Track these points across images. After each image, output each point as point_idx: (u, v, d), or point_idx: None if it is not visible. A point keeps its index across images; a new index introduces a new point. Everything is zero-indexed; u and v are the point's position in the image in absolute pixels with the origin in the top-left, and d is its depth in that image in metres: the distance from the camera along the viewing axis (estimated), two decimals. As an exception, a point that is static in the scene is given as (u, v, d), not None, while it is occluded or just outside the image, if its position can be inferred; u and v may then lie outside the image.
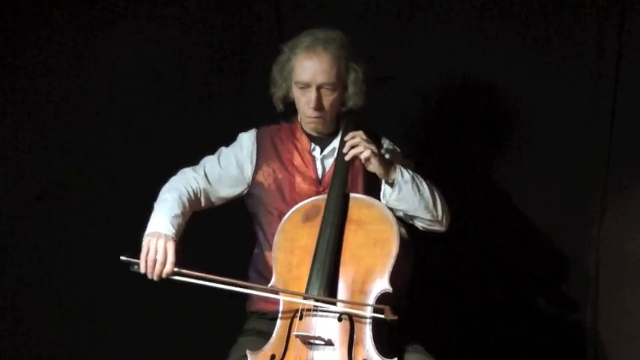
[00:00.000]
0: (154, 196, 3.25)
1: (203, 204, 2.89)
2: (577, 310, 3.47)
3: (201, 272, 2.59)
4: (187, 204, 2.79)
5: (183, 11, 3.50)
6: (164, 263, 2.60)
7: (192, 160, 3.42)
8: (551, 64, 3.43)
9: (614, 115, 3.37)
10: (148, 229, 2.68)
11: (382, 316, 2.52)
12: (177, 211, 2.73)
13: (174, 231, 2.67)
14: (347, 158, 2.77)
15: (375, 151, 2.75)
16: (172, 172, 3.42)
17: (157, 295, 3.41)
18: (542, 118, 3.46)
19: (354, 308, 2.57)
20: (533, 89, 3.45)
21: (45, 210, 3.43)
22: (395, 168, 2.79)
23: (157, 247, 2.61)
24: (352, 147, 2.75)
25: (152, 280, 2.62)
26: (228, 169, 2.92)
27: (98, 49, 3.44)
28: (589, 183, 3.44)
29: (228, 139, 3.18)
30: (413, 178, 2.80)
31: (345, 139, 2.80)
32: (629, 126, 3.36)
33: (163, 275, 2.61)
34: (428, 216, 2.84)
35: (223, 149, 2.97)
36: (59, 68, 3.42)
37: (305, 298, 2.59)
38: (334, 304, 2.58)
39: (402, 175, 2.79)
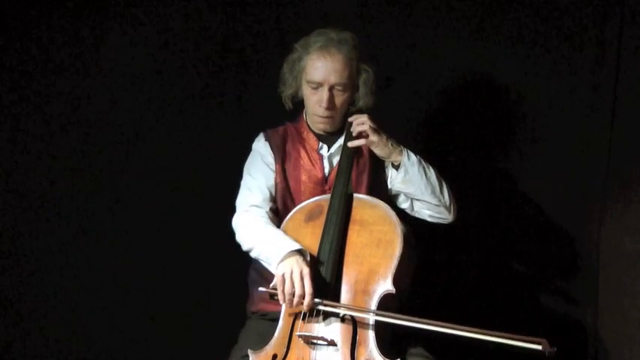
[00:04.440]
0: (155, 196, 3.26)
1: (278, 220, 2.85)
2: (577, 310, 3.48)
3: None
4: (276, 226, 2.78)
5: (183, 11, 3.49)
6: (302, 296, 2.55)
7: (193, 159, 3.44)
8: (551, 64, 3.43)
9: (614, 115, 3.38)
10: (274, 259, 2.61)
11: (540, 347, 2.46)
12: (280, 231, 2.72)
13: (298, 244, 2.63)
14: (354, 134, 2.82)
15: (380, 131, 2.81)
16: (173, 171, 3.45)
17: (158, 295, 3.43)
18: (542, 118, 3.46)
19: (480, 334, 2.52)
20: (533, 89, 3.46)
21: (45, 209, 3.42)
22: (401, 150, 2.83)
23: (293, 278, 2.55)
24: (358, 125, 2.82)
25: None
26: (268, 179, 2.89)
27: (99, 48, 3.43)
28: (589, 183, 3.44)
29: (229, 139, 3.19)
30: (419, 161, 2.85)
31: (350, 119, 2.86)
32: (629, 126, 3.36)
33: (305, 309, 2.56)
34: (435, 201, 2.87)
35: (249, 167, 2.93)
36: (59, 69, 3.40)
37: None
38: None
39: (409, 158, 2.83)
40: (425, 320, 2.54)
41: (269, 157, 2.92)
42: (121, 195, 3.45)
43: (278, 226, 2.79)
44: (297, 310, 2.61)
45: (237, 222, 2.83)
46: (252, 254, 2.77)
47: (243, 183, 2.92)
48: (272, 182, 2.89)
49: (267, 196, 2.87)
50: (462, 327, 2.52)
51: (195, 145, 3.48)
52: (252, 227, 2.77)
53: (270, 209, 2.85)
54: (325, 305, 2.56)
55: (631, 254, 3.36)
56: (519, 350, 2.49)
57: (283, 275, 2.56)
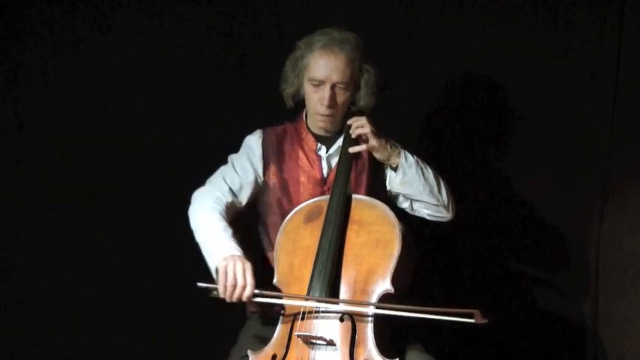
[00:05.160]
0: (155, 196, 3.26)
1: (232, 217, 2.85)
2: (577, 310, 3.48)
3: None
4: (228, 221, 2.77)
5: (183, 11, 3.49)
6: (244, 287, 2.56)
7: (192, 159, 3.44)
8: (551, 64, 3.43)
9: (614, 114, 3.38)
10: (215, 254, 2.63)
11: (472, 320, 2.50)
12: (230, 230, 2.72)
13: (241, 250, 2.65)
14: (353, 136, 2.84)
15: (380, 134, 2.82)
16: (172, 171, 3.45)
17: (158, 295, 3.43)
18: (542, 118, 3.46)
19: (420, 314, 2.54)
20: (533, 89, 3.45)
21: (44, 211, 3.42)
22: (399, 152, 2.85)
23: (236, 270, 2.56)
24: (357, 127, 2.84)
25: (230, 302, 2.59)
26: (247, 175, 2.91)
27: (98, 48, 3.43)
28: (589, 183, 3.45)
29: (229, 138, 3.18)
30: (417, 162, 2.86)
31: (349, 122, 2.87)
32: (629, 126, 3.36)
33: (244, 299, 2.58)
34: (433, 200, 2.88)
35: (234, 157, 2.95)
36: (59, 68, 3.41)
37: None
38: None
39: (406, 159, 2.85)
40: (348, 300, 2.59)
41: (257, 154, 2.93)
42: (120, 195, 3.45)
43: (230, 221, 2.79)
44: (296, 310, 2.61)
45: (197, 198, 2.84)
46: (195, 236, 2.76)
47: (222, 167, 2.93)
48: (250, 179, 2.90)
49: (236, 190, 2.88)
50: (391, 305, 2.56)
51: (194, 145, 3.48)
52: (208, 212, 2.77)
53: (232, 203, 2.85)
54: (263, 296, 2.58)
55: (631, 254, 3.37)
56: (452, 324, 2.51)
57: (226, 267, 2.57)
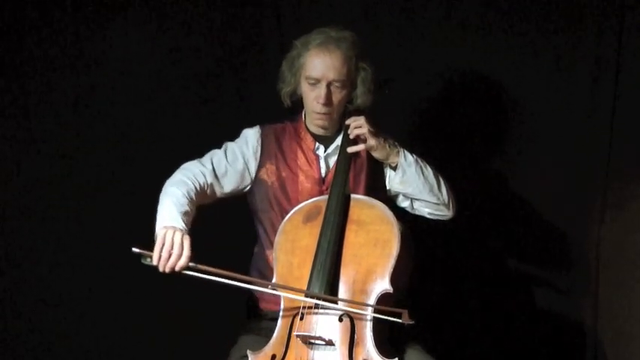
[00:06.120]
0: (156, 195, 3.25)
1: (208, 199, 2.86)
2: (577, 310, 3.48)
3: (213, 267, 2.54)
4: (194, 199, 2.75)
5: (183, 11, 3.50)
6: (180, 256, 2.53)
7: (192, 159, 3.44)
8: (551, 64, 3.44)
9: (614, 114, 3.38)
10: (160, 222, 2.62)
11: (400, 320, 2.52)
12: (187, 207, 2.69)
13: (186, 227, 2.62)
14: (351, 136, 2.84)
15: (378, 134, 2.83)
16: (174, 170, 3.45)
17: (157, 295, 3.43)
18: (542, 118, 3.47)
19: (356, 308, 2.58)
20: (533, 89, 3.46)
21: (45, 210, 3.43)
22: (398, 152, 2.86)
23: (174, 240, 2.54)
24: (355, 128, 2.84)
25: (163, 273, 2.55)
26: (235, 163, 2.91)
27: (99, 48, 3.44)
28: (589, 183, 3.45)
29: (230, 138, 3.20)
30: (416, 161, 2.87)
31: (348, 122, 2.87)
32: (629, 126, 3.37)
33: (177, 268, 2.54)
34: (433, 199, 2.89)
35: (229, 144, 2.96)
36: (59, 67, 3.42)
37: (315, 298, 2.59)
38: (362, 307, 2.58)
39: (405, 158, 2.86)
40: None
41: (250, 148, 2.93)
42: (119, 194, 3.46)
43: (200, 203, 2.79)
44: (296, 308, 2.62)
45: (177, 171, 2.84)
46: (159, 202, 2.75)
47: (214, 150, 2.94)
48: (237, 169, 2.90)
49: (220, 174, 2.87)
50: (325, 296, 2.59)
51: (194, 145, 3.48)
52: (175, 186, 2.75)
53: (212, 185, 2.85)
54: (198, 271, 2.55)
55: (631, 254, 3.37)
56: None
57: (165, 235, 2.55)
